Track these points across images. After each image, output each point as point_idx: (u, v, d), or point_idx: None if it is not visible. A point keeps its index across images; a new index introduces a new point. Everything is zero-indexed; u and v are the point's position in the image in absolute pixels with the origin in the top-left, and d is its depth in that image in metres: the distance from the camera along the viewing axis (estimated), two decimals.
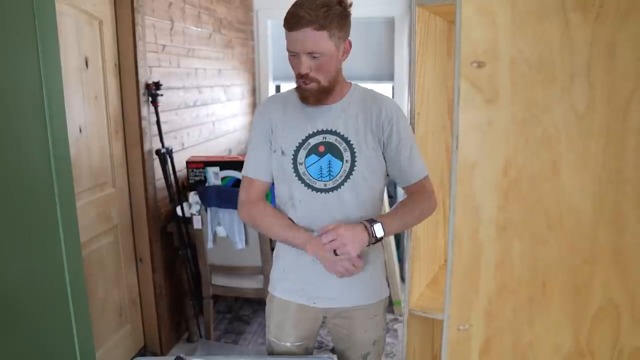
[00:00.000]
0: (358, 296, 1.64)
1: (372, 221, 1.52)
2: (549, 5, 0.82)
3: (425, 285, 1.79)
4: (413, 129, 1.65)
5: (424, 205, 1.61)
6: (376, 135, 1.55)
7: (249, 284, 2.90)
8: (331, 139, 1.54)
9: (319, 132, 1.55)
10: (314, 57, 1.44)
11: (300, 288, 1.64)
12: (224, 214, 2.77)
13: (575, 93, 0.85)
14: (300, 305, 1.65)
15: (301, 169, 1.55)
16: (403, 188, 1.63)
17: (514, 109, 0.86)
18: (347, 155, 1.54)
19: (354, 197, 1.56)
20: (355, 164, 1.54)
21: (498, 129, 0.87)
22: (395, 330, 3.25)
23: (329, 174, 1.55)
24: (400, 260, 3.77)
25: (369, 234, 1.49)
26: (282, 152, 1.57)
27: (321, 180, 1.55)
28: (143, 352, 2.93)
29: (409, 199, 1.62)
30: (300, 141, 1.55)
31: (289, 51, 1.47)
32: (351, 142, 1.54)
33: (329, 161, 1.54)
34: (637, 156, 0.85)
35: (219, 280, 2.95)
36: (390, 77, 4.29)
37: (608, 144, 0.86)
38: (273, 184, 1.66)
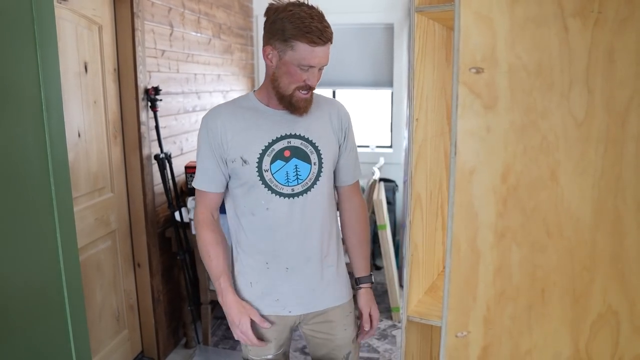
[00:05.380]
0: (331, 297, 1.66)
1: (364, 279, 1.74)
2: (547, 12, 0.82)
3: (424, 291, 1.79)
4: (411, 135, 1.65)
5: (361, 224, 1.74)
6: (338, 135, 1.62)
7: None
8: (296, 142, 1.54)
9: (283, 137, 1.53)
10: (319, 70, 1.49)
11: (274, 299, 1.61)
12: (223, 220, 2.76)
13: (574, 99, 0.85)
14: (277, 317, 1.62)
15: (267, 175, 1.53)
16: (338, 186, 1.71)
17: (513, 115, 0.86)
18: (314, 158, 1.55)
19: (324, 199, 1.59)
20: (323, 165, 1.57)
21: (497, 135, 0.87)
22: (394, 336, 3.23)
23: (297, 178, 1.54)
24: (399, 266, 3.76)
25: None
26: (244, 162, 1.52)
27: (288, 186, 1.54)
28: (140, 357, 2.92)
29: (352, 234, 1.74)
30: (264, 148, 1.52)
31: (305, 65, 1.44)
32: (316, 145, 1.56)
33: (296, 165, 1.54)
34: (636, 162, 0.85)
35: None
36: (389, 83, 4.29)
37: (607, 150, 0.86)
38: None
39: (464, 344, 0.93)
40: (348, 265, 1.78)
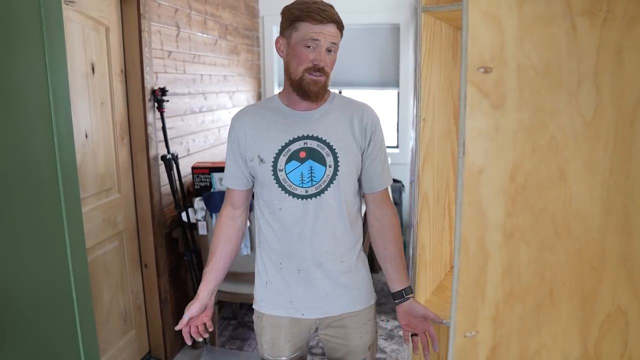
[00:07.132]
0: (347, 303, 1.63)
1: (405, 292, 1.61)
2: (555, 10, 0.82)
3: (431, 291, 1.78)
4: (418, 135, 1.64)
5: (396, 231, 1.66)
6: (359, 139, 1.57)
7: (254, 290, 2.90)
8: (312, 144, 1.53)
9: (300, 138, 1.53)
10: (329, 52, 1.49)
11: (287, 301, 1.61)
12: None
13: (583, 98, 0.84)
14: (291, 319, 1.63)
15: (281, 175, 1.54)
16: (366, 194, 1.65)
17: (521, 114, 0.86)
18: (330, 160, 1.53)
19: (337, 202, 1.56)
20: (339, 168, 1.54)
21: (505, 134, 0.86)
22: (401, 337, 3.23)
23: (311, 179, 1.53)
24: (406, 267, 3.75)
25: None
26: (261, 160, 1.55)
27: (302, 187, 1.54)
28: (148, 357, 2.93)
29: (389, 243, 1.65)
30: (280, 148, 1.53)
31: (309, 40, 1.46)
32: (333, 147, 1.54)
33: (311, 166, 1.53)
34: None
35: (223, 286, 2.94)
36: (395, 83, 4.29)
37: (616, 149, 0.85)
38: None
39: (473, 344, 0.92)
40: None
